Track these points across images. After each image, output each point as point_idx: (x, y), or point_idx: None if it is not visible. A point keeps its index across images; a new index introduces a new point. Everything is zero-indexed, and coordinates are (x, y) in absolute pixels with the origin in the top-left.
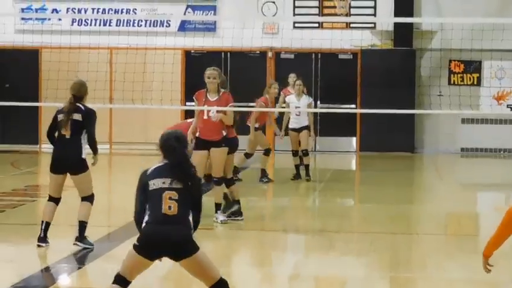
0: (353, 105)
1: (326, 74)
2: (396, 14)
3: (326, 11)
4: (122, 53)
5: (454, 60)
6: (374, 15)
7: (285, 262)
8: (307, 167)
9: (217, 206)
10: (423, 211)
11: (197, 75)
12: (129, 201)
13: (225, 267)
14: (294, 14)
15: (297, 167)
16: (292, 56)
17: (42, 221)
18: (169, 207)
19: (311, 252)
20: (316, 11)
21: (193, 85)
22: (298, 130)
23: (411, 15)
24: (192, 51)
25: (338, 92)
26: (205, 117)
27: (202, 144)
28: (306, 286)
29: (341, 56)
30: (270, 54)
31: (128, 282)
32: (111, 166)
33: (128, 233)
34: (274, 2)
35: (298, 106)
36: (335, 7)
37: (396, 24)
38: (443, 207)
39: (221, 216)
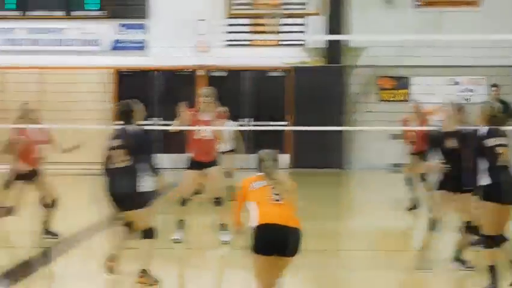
0: (284, 123)
1: (257, 91)
2: (327, 31)
3: (256, 28)
4: (52, 73)
5: (383, 77)
6: (304, 32)
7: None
8: None
9: None
10: (351, 228)
11: (128, 94)
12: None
13: None
14: (225, 32)
15: None
16: (225, 74)
17: None
18: None
19: (237, 270)
20: (247, 29)
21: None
22: None
23: (341, 32)
24: (123, 70)
25: (269, 109)
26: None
27: None
28: None
29: (272, 74)
30: (201, 72)
31: None
32: None
33: None
34: (205, 21)
35: None
36: (265, 25)
37: (327, 41)
38: (372, 224)
39: None
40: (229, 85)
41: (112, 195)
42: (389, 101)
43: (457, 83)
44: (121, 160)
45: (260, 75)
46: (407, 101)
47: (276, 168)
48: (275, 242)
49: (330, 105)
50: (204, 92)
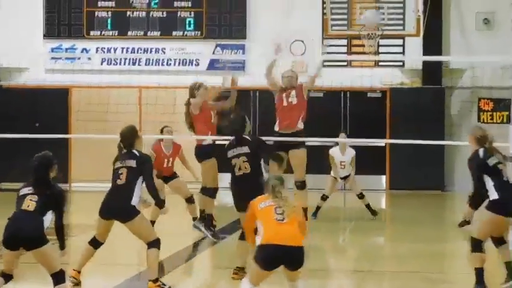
0: (382, 145)
1: (354, 112)
2: (424, 52)
3: (354, 49)
4: (151, 92)
5: (483, 98)
6: (403, 53)
7: None
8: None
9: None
10: (456, 250)
11: (229, 114)
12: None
13: None
14: (323, 53)
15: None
16: (321, 95)
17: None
18: (28, 206)
19: None
20: (344, 49)
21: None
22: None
23: (439, 53)
24: (222, 90)
25: (367, 130)
26: None
27: None
28: None
29: (370, 95)
30: None
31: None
32: None
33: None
34: (302, 41)
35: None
36: (363, 45)
37: (425, 63)
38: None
39: None
40: (326, 106)
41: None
42: (488, 122)
43: None
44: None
45: (357, 96)
46: (507, 122)
47: (281, 189)
48: (276, 261)
49: (429, 126)
50: None
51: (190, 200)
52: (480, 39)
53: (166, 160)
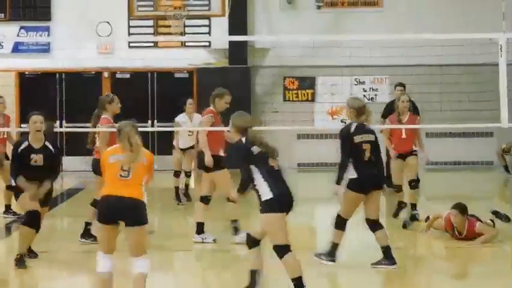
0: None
1: (162, 93)
2: (230, 32)
3: (161, 30)
4: None
5: (288, 77)
6: (209, 33)
7: None
8: None
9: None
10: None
11: (32, 96)
12: None
13: None
14: (129, 34)
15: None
16: (128, 76)
17: None
18: None
19: None
20: (151, 30)
21: (27, 107)
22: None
23: (245, 33)
24: (26, 73)
25: (173, 110)
26: None
27: None
28: None
29: (177, 75)
30: (105, 74)
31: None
32: None
33: None
34: (108, 22)
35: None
36: (169, 26)
37: (231, 43)
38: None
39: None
40: (133, 87)
41: None
42: (294, 101)
43: (361, 83)
44: None
45: (164, 76)
46: (311, 101)
47: (134, 135)
48: (109, 212)
49: (236, 105)
50: None
51: None
52: (284, 19)
53: None
